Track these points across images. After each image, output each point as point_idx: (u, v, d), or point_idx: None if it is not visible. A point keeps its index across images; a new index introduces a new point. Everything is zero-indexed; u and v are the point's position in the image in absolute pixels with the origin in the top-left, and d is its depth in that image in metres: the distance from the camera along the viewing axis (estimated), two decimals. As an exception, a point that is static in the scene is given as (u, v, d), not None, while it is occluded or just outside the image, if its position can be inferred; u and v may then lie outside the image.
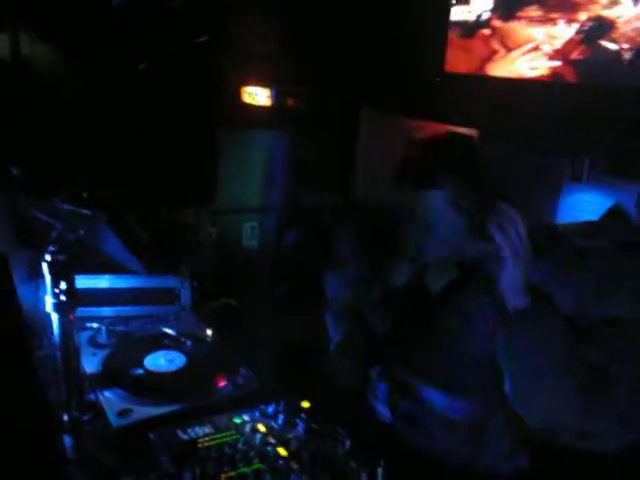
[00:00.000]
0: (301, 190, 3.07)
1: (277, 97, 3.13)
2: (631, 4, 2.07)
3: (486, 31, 2.55)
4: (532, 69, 2.45)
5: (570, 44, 2.27)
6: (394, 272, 1.62)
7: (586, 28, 2.20)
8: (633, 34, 2.06)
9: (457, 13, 2.64)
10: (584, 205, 2.26)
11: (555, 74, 2.37)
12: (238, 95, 3.08)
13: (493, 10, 2.51)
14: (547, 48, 2.34)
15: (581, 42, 2.24)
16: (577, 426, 1.21)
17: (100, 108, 1.77)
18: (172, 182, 2.06)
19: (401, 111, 2.82)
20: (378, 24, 2.89)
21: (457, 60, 2.68)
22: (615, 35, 2.13)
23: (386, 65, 2.83)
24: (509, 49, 2.50)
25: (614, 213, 1.97)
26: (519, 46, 2.46)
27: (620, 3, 2.10)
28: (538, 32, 2.37)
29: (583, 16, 2.21)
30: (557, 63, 2.33)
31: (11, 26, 1.71)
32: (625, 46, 2.09)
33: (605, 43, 2.17)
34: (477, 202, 1.35)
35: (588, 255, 1.32)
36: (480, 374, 1.43)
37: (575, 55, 2.26)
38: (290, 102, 3.22)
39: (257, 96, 3.10)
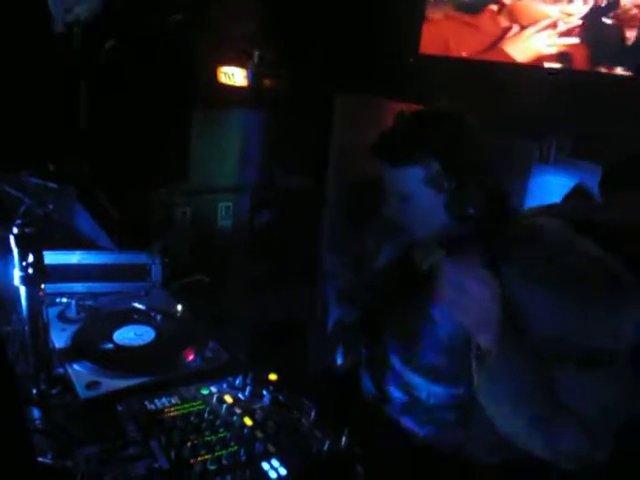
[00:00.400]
0: (276, 170, 3.08)
1: (253, 78, 3.11)
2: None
3: (494, 7, 2.51)
4: (549, 46, 2.39)
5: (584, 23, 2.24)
6: (381, 252, 1.60)
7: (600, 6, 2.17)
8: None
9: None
10: (551, 187, 2.30)
11: (569, 53, 2.33)
12: (214, 75, 3.07)
13: None
14: (562, 26, 2.30)
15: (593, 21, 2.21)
16: (540, 450, 1.22)
17: (69, 83, 1.76)
18: (143, 159, 2.07)
19: (375, 93, 2.84)
20: (356, 6, 2.89)
21: (460, 40, 2.63)
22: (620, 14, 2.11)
23: (361, 46, 2.84)
24: (523, 26, 2.44)
25: (577, 193, 2.01)
26: (533, 23, 2.41)
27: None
28: (553, 9, 2.33)
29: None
30: (573, 41, 2.29)
31: None
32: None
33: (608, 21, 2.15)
34: (458, 183, 1.31)
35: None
36: (465, 359, 1.33)
37: (586, 35, 2.24)
38: (266, 83, 3.21)
39: (234, 76, 3.09)
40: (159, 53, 2.38)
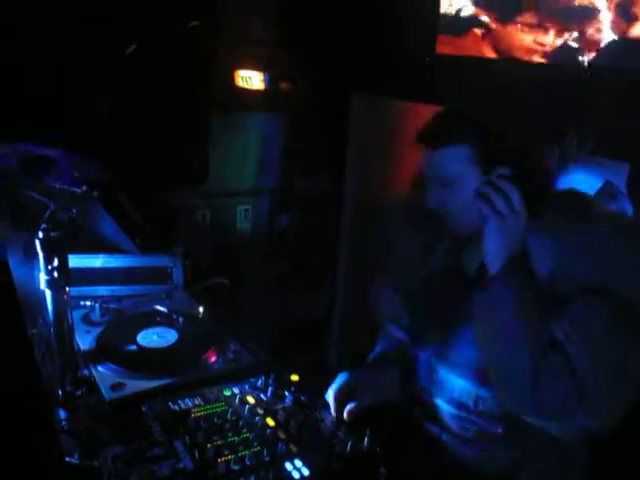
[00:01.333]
0: (294, 173, 3.09)
1: (271, 81, 3.13)
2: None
3: (478, 31, 2.52)
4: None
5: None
6: (433, 257, 1.55)
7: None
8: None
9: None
10: (574, 184, 2.28)
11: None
12: (232, 79, 3.09)
13: (487, 10, 2.48)
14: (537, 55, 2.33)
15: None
16: (529, 392, 1.20)
17: (92, 89, 1.79)
18: (164, 163, 2.09)
19: (391, 94, 2.84)
20: (370, 8, 2.89)
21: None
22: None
23: (377, 48, 2.84)
24: (500, 54, 2.47)
25: (605, 192, 2.00)
26: (510, 51, 2.43)
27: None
28: (528, 38, 2.37)
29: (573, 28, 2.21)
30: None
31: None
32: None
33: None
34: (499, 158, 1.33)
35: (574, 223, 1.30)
36: None
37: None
38: (283, 86, 3.22)
39: (251, 80, 3.11)
40: (178, 58, 2.41)
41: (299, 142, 3.09)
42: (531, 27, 2.34)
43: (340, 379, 1.48)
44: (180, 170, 2.26)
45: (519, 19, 2.39)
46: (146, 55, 2.23)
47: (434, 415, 1.49)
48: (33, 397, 1.16)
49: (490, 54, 2.50)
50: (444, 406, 1.46)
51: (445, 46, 2.65)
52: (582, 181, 2.27)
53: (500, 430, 1.36)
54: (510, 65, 2.48)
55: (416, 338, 1.56)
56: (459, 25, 2.59)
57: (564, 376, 1.16)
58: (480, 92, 2.46)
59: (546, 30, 2.28)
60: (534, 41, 2.32)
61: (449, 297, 1.46)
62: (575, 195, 1.45)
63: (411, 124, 2.93)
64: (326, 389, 1.46)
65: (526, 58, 2.37)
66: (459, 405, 1.42)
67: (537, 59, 2.33)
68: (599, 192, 2.17)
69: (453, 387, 1.43)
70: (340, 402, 1.40)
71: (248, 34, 3.00)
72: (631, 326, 1.17)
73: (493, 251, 1.27)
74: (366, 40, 2.88)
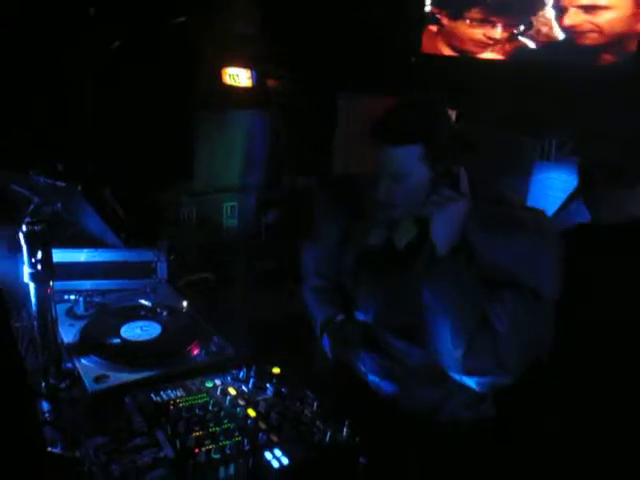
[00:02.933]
0: (281, 169, 3.11)
1: (258, 78, 3.15)
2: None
3: (433, 27, 2.58)
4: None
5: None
6: (368, 235, 1.69)
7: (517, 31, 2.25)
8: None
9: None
10: (553, 183, 2.33)
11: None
12: (219, 76, 3.10)
13: (440, 7, 2.53)
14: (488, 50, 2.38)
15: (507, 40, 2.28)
16: (460, 359, 1.44)
17: (76, 85, 1.80)
18: (149, 159, 2.10)
19: (377, 92, 2.86)
20: (356, 6, 2.92)
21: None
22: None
23: (363, 47, 2.86)
24: (454, 49, 2.52)
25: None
26: (462, 46, 2.49)
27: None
28: (478, 33, 2.42)
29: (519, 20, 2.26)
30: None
31: None
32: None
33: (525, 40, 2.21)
34: (447, 160, 1.46)
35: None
36: None
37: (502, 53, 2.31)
38: (271, 83, 3.24)
39: (238, 77, 3.12)
40: (164, 55, 2.42)
41: (286, 139, 3.11)
42: (479, 22, 2.39)
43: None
44: (166, 167, 2.27)
45: (467, 15, 2.44)
46: (132, 52, 2.23)
47: (374, 369, 1.70)
48: (17, 389, 1.17)
49: (444, 50, 2.56)
50: (382, 361, 1.68)
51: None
52: (561, 180, 2.32)
53: (426, 377, 1.61)
54: (494, 65, 2.51)
55: (355, 304, 1.76)
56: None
57: (490, 350, 1.42)
58: (463, 90, 2.50)
59: (494, 25, 2.34)
60: (484, 35, 2.37)
61: (384, 270, 1.65)
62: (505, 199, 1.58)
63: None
64: (307, 382, 1.49)
65: (478, 52, 2.42)
66: (394, 359, 1.65)
67: (488, 54, 2.38)
68: (577, 188, 2.22)
69: (389, 345, 1.65)
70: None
71: (235, 32, 3.01)
72: (540, 312, 1.44)
73: (441, 235, 1.45)
74: (353, 38, 2.91)
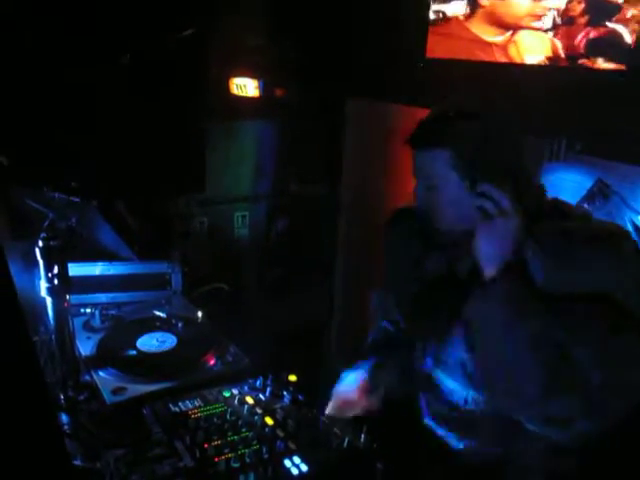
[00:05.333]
0: (290, 178, 3.12)
1: (265, 88, 3.17)
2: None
3: (460, 15, 2.49)
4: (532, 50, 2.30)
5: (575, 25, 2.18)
6: (429, 263, 1.53)
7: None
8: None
9: (454, 8, 2.58)
10: (563, 184, 2.32)
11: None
12: (227, 87, 3.13)
13: None
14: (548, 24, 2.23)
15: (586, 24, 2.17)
16: (538, 404, 1.20)
17: (89, 99, 1.82)
18: (160, 171, 2.11)
19: (385, 98, 2.87)
20: (362, 14, 2.93)
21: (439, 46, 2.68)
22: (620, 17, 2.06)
23: (370, 53, 2.88)
24: (499, 26, 2.39)
25: (598, 189, 2.04)
26: (513, 21, 2.34)
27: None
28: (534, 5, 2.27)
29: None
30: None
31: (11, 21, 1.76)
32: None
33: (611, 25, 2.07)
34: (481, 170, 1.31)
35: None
36: None
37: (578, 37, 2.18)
38: (278, 92, 3.26)
39: (246, 87, 3.15)
40: (173, 67, 2.44)
41: (295, 147, 3.12)
42: None
43: (345, 381, 1.54)
44: (177, 179, 2.28)
45: None
46: (140, 64, 2.26)
47: (430, 412, 1.52)
48: (39, 402, 1.19)
49: (485, 34, 2.44)
50: (436, 404, 1.49)
51: (439, 40, 2.63)
52: (573, 180, 2.31)
53: (491, 429, 1.38)
54: (501, 68, 2.51)
55: (411, 340, 1.58)
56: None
57: (574, 390, 1.16)
58: (470, 95, 2.50)
59: None
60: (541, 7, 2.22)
61: (443, 302, 1.46)
62: (557, 205, 1.44)
63: (407, 128, 2.98)
64: (324, 389, 1.50)
65: (530, 25, 2.29)
66: (450, 404, 1.45)
67: (537, 24, 2.24)
68: (590, 191, 2.21)
69: (445, 386, 1.46)
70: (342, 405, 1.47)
71: (242, 42, 3.04)
72: (629, 331, 1.18)
73: (486, 254, 1.26)
74: (359, 45, 2.92)
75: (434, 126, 1.39)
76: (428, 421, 1.53)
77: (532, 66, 2.41)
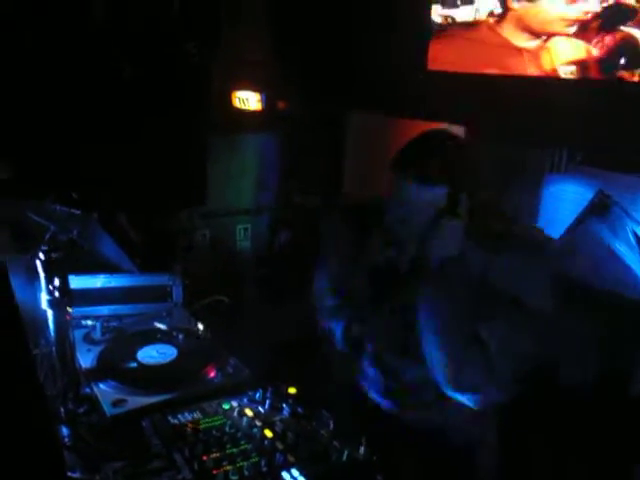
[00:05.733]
0: (292, 190, 3.13)
1: (267, 101, 3.19)
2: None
3: (491, 18, 2.43)
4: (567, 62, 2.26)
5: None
6: (375, 254, 1.72)
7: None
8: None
9: (463, 13, 2.56)
10: (565, 195, 2.32)
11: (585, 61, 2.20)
12: (229, 100, 3.15)
13: None
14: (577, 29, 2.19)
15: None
16: (451, 377, 1.49)
17: (89, 112, 1.84)
18: (161, 184, 2.13)
19: (385, 111, 2.89)
20: (363, 26, 2.96)
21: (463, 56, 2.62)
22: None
23: (370, 66, 2.89)
24: (530, 32, 2.33)
25: (599, 200, 2.04)
26: (544, 27, 2.31)
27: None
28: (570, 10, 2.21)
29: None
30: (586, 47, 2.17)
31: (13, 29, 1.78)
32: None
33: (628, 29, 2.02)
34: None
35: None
36: None
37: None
38: (280, 105, 3.28)
39: (248, 101, 3.17)
40: (175, 81, 2.46)
41: (296, 160, 3.14)
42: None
43: None
44: (179, 192, 2.30)
45: None
46: (142, 79, 2.28)
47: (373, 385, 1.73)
48: (38, 415, 1.19)
49: (514, 37, 2.38)
50: (380, 377, 1.70)
51: (450, 43, 2.59)
52: (574, 192, 2.31)
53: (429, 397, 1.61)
54: (501, 80, 2.52)
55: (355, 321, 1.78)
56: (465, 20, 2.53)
57: (481, 370, 1.45)
58: (471, 108, 2.51)
59: None
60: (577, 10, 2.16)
61: (385, 287, 1.68)
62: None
63: (406, 139, 2.98)
64: (324, 401, 1.49)
65: (564, 31, 2.24)
66: (391, 376, 1.67)
67: (572, 30, 2.19)
68: (591, 202, 2.20)
69: (386, 362, 1.68)
70: None
71: (244, 56, 3.06)
72: (532, 328, 1.45)
73: (435, 251, 1.52)
74: (360, 58, 2.94)
75: (407, 153, 1.59)
76: (373, 394, 1.72)
77: (533, 78, 2.41)
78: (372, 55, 2.87)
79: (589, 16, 2.13)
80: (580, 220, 2.20)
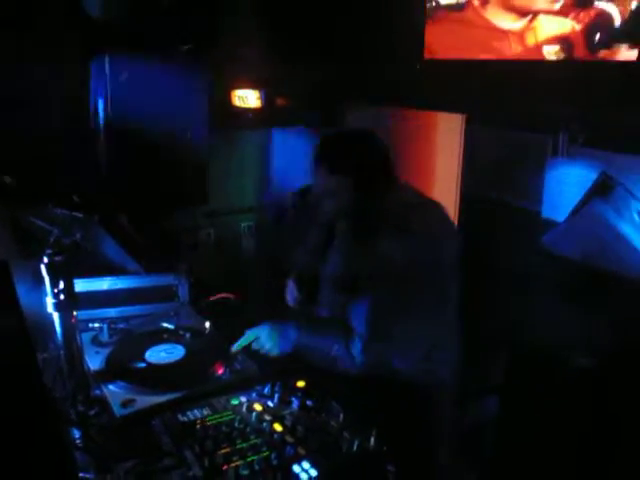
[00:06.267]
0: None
1: (266, 98, 3.19)
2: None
3: (475, 1, 2.41)
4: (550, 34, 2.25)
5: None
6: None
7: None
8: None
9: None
10: (568, 178, 2.30)
11: (569, 40, 2.21)
12: (228, 98, 3.15)
13: None
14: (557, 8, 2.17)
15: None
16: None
17: (89, 115, 1.85)
18: (161, 184, 2.13)
19: (384, 102, 2.88)
20: (358, 18, 2.95)
21: (449, 43, 2.60)
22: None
23: (368, 58, 2.88)
24: (517, 12, 2.30)
25: (602, 182, 2.03)
26: (530, 5, 2.25)
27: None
28: None
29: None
30: (570, 25, 2.18)
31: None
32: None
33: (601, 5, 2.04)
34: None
35: None
36: None
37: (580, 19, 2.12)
38: (279, 102, 3.28)
39: (247, 99, 3.17)
40: (173, 81, 2.46)
41: (296, 154, 3.13)
42: None
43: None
44: (179, 193, 2.30)
45: None
46: (142, 81, 2.28)
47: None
48: (47, 418, 1.19)
49: (499, 19, 2.36)
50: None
51: (440, 28, 2.57)
52: (577, 174, 2.29)
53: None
54: (497, 65, 2.50)
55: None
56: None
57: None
58: (469, 94, 2.50)
59: None
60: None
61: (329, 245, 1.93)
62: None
63: (406, 130, 2.98)
64: (333, 394, 1.49)
65: (546, 8, 2.22)
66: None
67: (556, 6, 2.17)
68: (595, 183, 2.19)
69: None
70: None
71: (242, 54, 3.06)
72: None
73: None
74: (357, 51, 2.93)
75: (342, 155, 1.73)
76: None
77: (531, 61, 2.39)
78: (371, 48, 2.87)
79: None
80: (584, 202, 2.19)
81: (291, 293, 2.10)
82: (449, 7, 2.56)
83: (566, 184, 2.33)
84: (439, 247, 1.70)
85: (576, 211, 2.21)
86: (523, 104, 2.34)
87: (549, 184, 2.40)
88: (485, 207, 2.64)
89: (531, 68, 2.40)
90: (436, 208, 1.77)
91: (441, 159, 2.99)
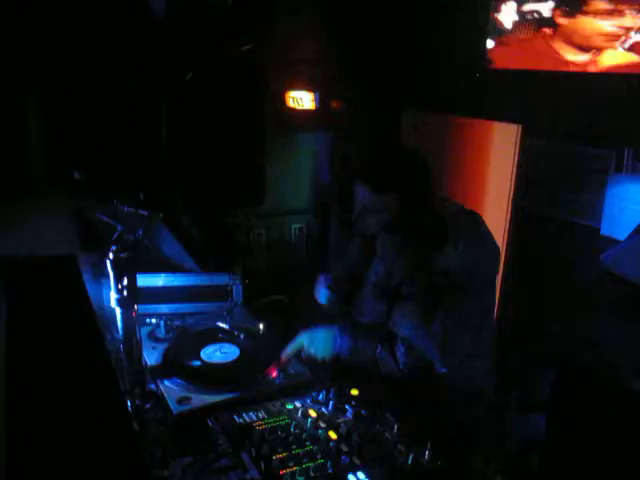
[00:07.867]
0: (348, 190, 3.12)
1: (321, 101, 3.19)
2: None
3: (548, 30, 2.43)
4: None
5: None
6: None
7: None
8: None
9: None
10: (630, 195, 2.24)
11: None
12: (283, 100, 3.17)
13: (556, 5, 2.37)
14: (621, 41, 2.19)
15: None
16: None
17: (154, 115, 1.88)
18: (223, 185, 2.16)
19: (442, 109, 2.85)
20: (419, 24, 2.93)
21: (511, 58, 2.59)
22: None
23: (427, 65, 2.86)
24: (577, 47, 2.34)
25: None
26: (587, 42, 2.31)
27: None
28: (605, 25, 2.23)
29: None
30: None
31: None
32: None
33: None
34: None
35: None
36: None
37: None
38: (334, 105, 3.28)
39: (302, 100, 3.18)
40: (232, 82, 2.49)
41: (350, 159, 3.13)
42: (604, 13, 2.21)
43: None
44: (239, 192, 2.33)
45: (589, 8, 2.26)
46: (202, 81, 2.31)
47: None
48: (118, 412, 1.22)
49: (564, 51, 2.36)
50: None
51: (508, 51, 2.57)
52: (635, 191, 2.23)
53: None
54: (560, 76, 2.45)
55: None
56: (523, 28, 2.52)
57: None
58: (531, 105, 2.46)
59: (622, 13, 2.15)
60: (612, 25, 2.18)
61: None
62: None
63: (462, 139, 2.94)
64: (387, 404, 1.49)
65: (606, 45, 2.23)
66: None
67: (617, 45, 2.18)
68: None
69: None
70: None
71: (297, 55, 3.07)
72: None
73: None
74: (415, 56, 2.91)
75: (390, 175, 1.72)
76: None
77: (596, 75, 2.34)
78: (429, 54, 2.84)
79: (624, 30, 2.12)
80: (637, 230, 2.13)
81: (321, 290, 2.11)
82: (520, 33, 2.55)
83: (628, 201, 2.27)
84: (492, 256, 1.74)
85: (638, 230, 2.15)
86: (585, 117, 2.29)
87: (610, 200, 2.34)
88: (540, 222, 2.60)
89: (596, 79, 2.35)
90: (480, 217, 1.78)
91: (494, 170, 2.95)
